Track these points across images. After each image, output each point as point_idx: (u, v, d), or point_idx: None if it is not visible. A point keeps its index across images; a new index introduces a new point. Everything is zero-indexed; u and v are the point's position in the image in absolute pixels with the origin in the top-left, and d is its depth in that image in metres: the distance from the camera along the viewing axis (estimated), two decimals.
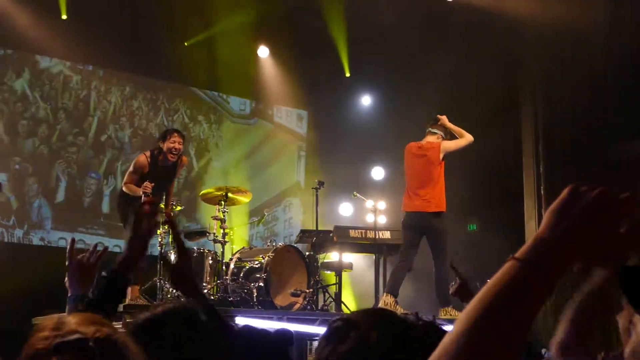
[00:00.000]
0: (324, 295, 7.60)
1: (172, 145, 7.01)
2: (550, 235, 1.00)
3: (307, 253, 7.45)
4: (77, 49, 9.23)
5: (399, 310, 6.73)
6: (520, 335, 0.98)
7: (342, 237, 7.57)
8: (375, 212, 7.94)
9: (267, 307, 6.67)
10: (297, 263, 7.13)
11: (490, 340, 0.96)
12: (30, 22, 8.98)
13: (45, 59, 9.56)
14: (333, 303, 7.49)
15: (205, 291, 6.76)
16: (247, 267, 6.94)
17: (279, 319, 6.28)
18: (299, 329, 6.07)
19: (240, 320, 5.92)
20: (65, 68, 9.72)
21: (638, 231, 1.01)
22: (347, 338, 1.36)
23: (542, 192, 8.85)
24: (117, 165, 9.88)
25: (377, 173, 11.12)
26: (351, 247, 7.73)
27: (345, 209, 10.81)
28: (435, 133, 7.46)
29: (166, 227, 6.04)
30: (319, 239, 7.58)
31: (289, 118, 11.63)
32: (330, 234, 7.58)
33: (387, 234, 7.65)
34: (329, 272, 7.97)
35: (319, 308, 7.33)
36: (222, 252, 7.13)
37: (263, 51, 10.77)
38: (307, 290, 6.94)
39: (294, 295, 6.86)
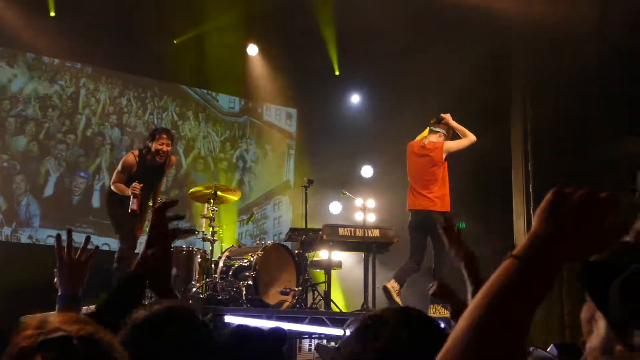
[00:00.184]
0: (313, 294, 7.60)
1: (159, 147, 6.92)
2: (546, 233, 1.03)
3: (296, 251, 7.45)
4: (66, 46, 9.19)
5: (398, 301, 6.78)
6: (522, 331, 1.00)
7: (331, 235, 7.56)
8: (364, 210, 7.96)
9: (256, 305, 6.66)
10: (286, 261, 7.12)
11: (493, 337, 0.98)
12: (18, 19, 8.93)
13: (33, 56, 9.51)
14: (322, 301, 7.50)
15: (195, 289, 6.75)
16: (237, 265, 6.93)
17: (268, 317, 6.28)
18: (288, 327, 6.08)
19: (230, 319, 5.92)
20: (54, 65, 9.67)
21: (618, 227, 1.06)
22: (378, 336, 1.36)
23: (530, 190, 8.90)
24: (105, 161, 9.83)
25: (366, 171, 11.14)
26: (340, 245, 7.73)
27: (335, 207, 10.82)
28: (438, 132, 7.41)
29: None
30: (308, 237, 7.57)
31: (278, 116, 11.63)
32: (320, 232, 7.57)
33: (376, 232, 7.66)
34: (318, 270, 7.98)
35: (308, 306, 7.33)
36: (212, 251, 7.13)
37: (252, 49, 10.76)
38: (296, 289, 6.93)
39: (283, 293, 6.85)
